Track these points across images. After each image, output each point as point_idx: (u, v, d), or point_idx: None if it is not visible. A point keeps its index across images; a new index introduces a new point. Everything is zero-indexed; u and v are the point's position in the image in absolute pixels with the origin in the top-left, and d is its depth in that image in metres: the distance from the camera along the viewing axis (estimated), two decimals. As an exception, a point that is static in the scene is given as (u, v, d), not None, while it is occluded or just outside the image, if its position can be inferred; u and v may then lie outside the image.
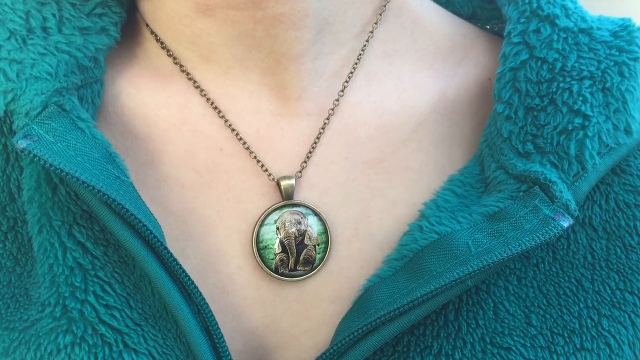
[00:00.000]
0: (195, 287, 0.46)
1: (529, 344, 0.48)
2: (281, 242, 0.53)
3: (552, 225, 0.46)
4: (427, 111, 0.56)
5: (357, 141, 0.55)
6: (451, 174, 0.53)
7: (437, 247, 0.48)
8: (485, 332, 0.48)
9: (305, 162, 0.54)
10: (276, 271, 0.52)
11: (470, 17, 0.63)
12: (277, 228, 0.53)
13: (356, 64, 0.55)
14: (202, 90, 0.55)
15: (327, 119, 0.55)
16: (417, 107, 0.56)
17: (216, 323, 0.46)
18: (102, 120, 0.54)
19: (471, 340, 0.48)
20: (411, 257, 0.49)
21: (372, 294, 0.49)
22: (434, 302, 0.46)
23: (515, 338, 0.48)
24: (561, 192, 0.48)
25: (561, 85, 0.50)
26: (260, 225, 0.52)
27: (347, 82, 0.55)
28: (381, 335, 0.46)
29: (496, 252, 0.45)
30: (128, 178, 0.48)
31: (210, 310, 0.46)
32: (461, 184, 0.52)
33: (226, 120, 0.54)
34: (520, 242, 0.45)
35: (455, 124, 0.56)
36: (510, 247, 0.45)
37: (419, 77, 0.57)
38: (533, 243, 0.45)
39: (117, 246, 0.49)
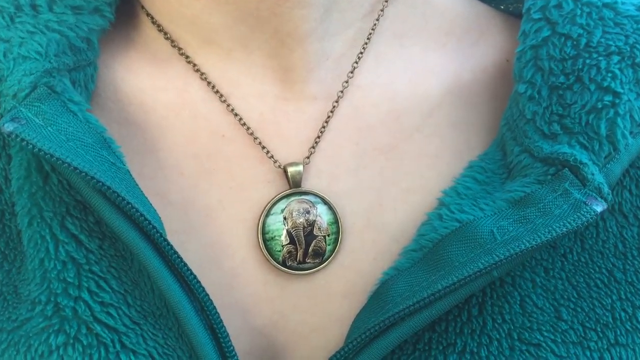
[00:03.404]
0: (198, 282, 0.44)
1: (559, 340, 0.46)
2: (289, 233, 0.51)
3: (585, 210, 0.44)
4: (441, 94, 0.54)
5: (367, 126, 0.53)
6: (471, 160, 0.51)
7: (459, 236, 0.46)
8: (512, 327, 0.46)
9: (313, 147, 0.52)
10: (284, 264, 0.51)
11: (483, -3, 0.60)
12: (284, 218, 0.51)
13: (365, 45, 0.54)
14: (202, 74, 0.53)
15: (336, 102, 0.53)
16: (431, 90, 0.54)
17: (221, 321, 0.45)
18: (96, 106, 0.52)
19: (497, 336, 0.46)
20: (431, 247, 0.47)
21: (390, 287, 0.47)
22: (457, 294, 0.44)
23: (545, 333, 0.46)
24: (593, 174, 0.46)
25: (587, 61, 0.48)
26: (266, 215, 0.51)
27: (356, 64, 0.54)
28: (400, 331, 0.44)
29: (524, 240, 0.43)
30: (125, 165, 0.46)
31: (214, 307, 0.44)
32: (482, 170, 0.50)
33: (228, 105, 0.53)
34: (549, 228, 0.43)
35: (473, 107, 0.55)
36: (539, 234, 0.43)
37: (432, 59, 0.55)
38: (564, 229, 0.43)
39: (113, 239, 0.47)
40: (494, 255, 0.43)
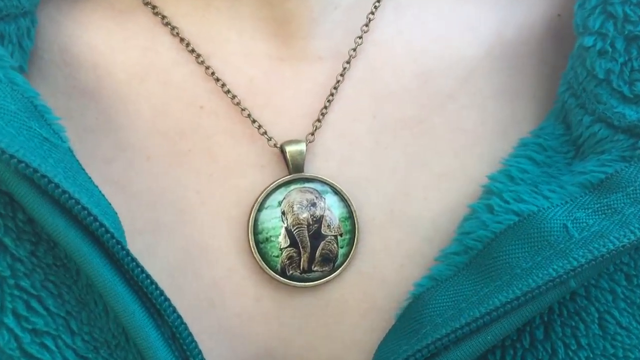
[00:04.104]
0: (167, 300, 0.40)
1: None
2: (289, 232, 0.47)
3: None
4: (479, 55, 0.51)
5: (388, 93, 0.50)
6: (522, 138, 0.49)
7: (519, 233, 0.42)
8: (591, 355, 0.42)
9: (318, 121, 0.48)
10: (283, 273, 0.47)
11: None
12: (283, 212, 0.47)
13: None
14: (173, 28, 0.49)
15: (347, 62, 0.49)
16: (467, 49, 0.51)
17: (199, 352, 0.41)
18: (35, 71, 0.49)
19: None
20: (480, 249, 0.44)
21: (426, 303, 0.43)
22: (521, 313, 0.39)
23: None
24: None
25: None
26: (259, 210, 0.47)
27: (372, 15, 0.50)
28: None
29: (612, 237, 0.39)
30: (65, 142, 0.42)
31: (189, 334, 0.41)
32: (540, 148, 0.48)
33: (208, 67, 0.49)
34: None
35: (518, 72, 0.51)
36: (632, 228, 0.40)
37: (468, 12, 0.52)
38: None
39: (51, 243, 0.42)
40: (571, 259, 0.39)
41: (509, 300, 0.39)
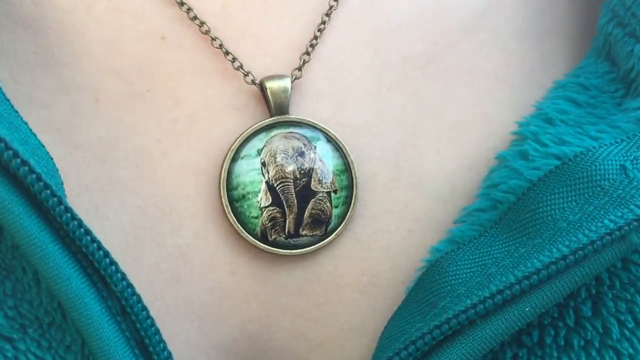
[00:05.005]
0: (114, 264, 0.38)
1: None
2: (271, 188, 0.44)
3: None
4: None
5: (391, 26, 0.46)
6: (557, 80, 0.46)
7: (564, 179, 0.39)
8: None
9: (307, 54, 0.45)
10: (264, 239, 0.44)
11: None
12: (263, 163, 0.44)
13: None
14: None
15: None
16: None
17: (158, 332, 0.38)
18: None
19: (631, 352, 0.39)
20: (513, 202, 0.41)
21: (444, 271, 0.40)
22: (569, 278, 0.36)
23: None
24: None
25: None
26: (233, 160, 0.44)
27: None
28: (466, 346, 0.37)
29: None
30: None
31: (144, 308, 0.38)
32: (581, 88, 0.45)
33: None
34: None
35: (548, 6, 0.49)
36: None
37: None
38: None
39: None
40: (633, 207, 0.36)
41: (553, 260, 0.35)
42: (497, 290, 0.36)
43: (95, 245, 0.37)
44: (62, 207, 0.37)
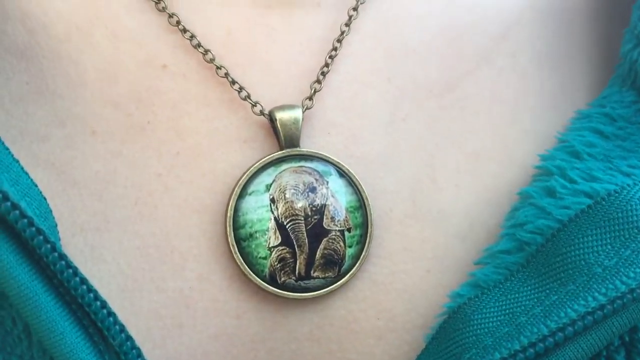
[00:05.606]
0: (112, 315, 0.36)
1: None
2: (280, 226, 0.42)
3: None
4: (520, 7, 0.48)
5: (407, 51, 0.46)
6: (580, 110, 0.45)
7: (597, 220, 0.38)
8: None
9: (318, 82, 0.43)
10: (272, 281, 0.42)
11: None
12: (272, 200, 0.42)
13: None
14: None
15: (355, 9, 0.45)
16: (504, 0, 0.48)
17: None
18: None
19: None
20: (541, 243, 0.40)
21: (468, 319, 0.39)
22: (605, 329, 0.35)
23: None
24: None
25: None
26: (240, 196, 0.42)
27: None
28: None
29: None
30: None
31: None
32: (608, 119, 0.44)
33: (171, 15, 0.44)
34: None
35: (566, 29, 0.49)
36: None
37: None
38: None
39: None
40: None
41: (589, 310, 0.34)
42: (529, 343, 0.34)
43: (91, 295, 0.36)
44: (56, 254, 0.35)
